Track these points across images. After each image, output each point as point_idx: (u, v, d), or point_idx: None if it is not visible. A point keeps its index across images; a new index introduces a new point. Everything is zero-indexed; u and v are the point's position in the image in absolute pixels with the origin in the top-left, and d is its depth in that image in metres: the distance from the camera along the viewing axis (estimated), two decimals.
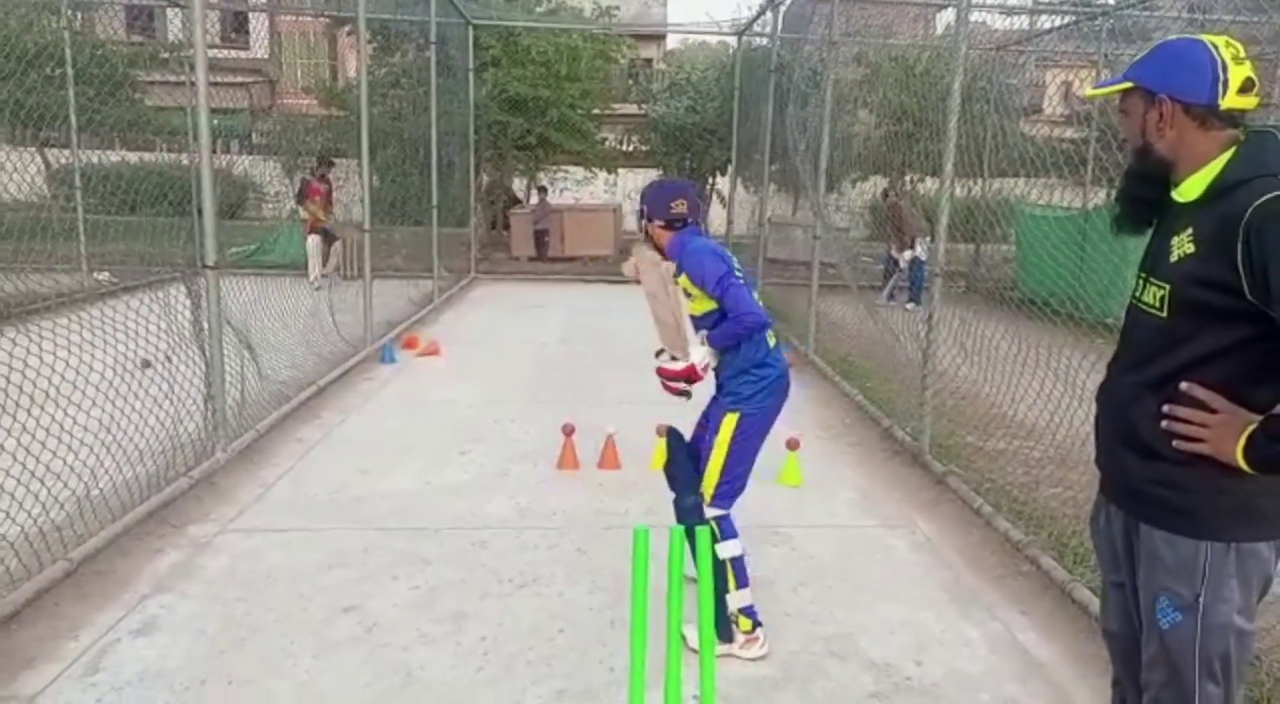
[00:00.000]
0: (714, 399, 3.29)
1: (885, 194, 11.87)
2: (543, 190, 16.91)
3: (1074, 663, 3.19)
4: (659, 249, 3.35)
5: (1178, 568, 1.88)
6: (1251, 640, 1.92)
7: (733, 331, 3.10)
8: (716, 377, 3.24)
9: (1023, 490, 4.65)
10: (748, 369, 3.15)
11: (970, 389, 5.86)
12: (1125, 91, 1.97)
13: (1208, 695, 1.89)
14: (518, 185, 17.74)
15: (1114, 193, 2.19)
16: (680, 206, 3.29)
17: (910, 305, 10.72)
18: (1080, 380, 4.09)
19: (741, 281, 3.14)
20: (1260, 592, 1.90)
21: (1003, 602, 3.66)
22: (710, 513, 3.15)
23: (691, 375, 3.21)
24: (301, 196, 12.20)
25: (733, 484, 3.18)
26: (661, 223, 3.29)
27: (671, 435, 3.35)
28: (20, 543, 3.58)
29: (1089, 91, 2.13)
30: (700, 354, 3.18)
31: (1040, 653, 3.26)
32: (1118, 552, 2.08)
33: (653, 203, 3.31)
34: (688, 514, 3.13)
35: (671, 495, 3.25)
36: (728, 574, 3.14)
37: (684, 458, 3.24)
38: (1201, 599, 1.86)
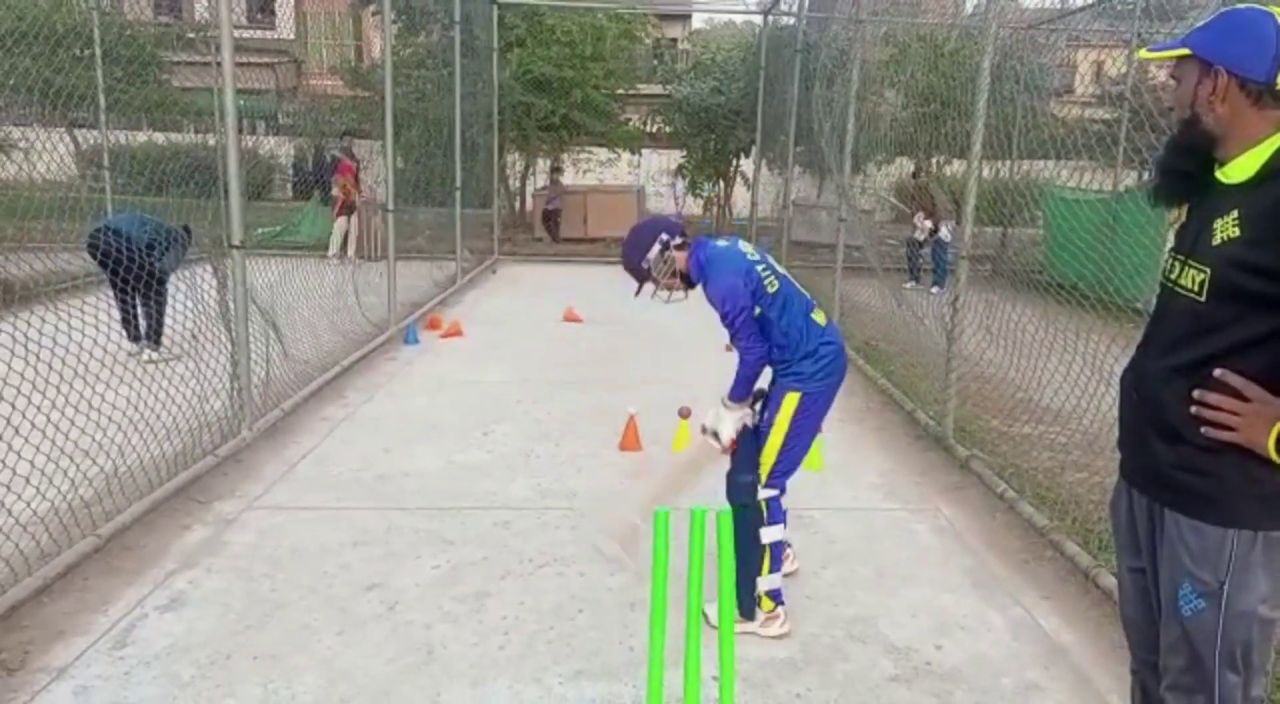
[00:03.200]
0: (771, 380, 3.26)
1: (915, 174, 11.73)
2: (557, 170, 16.82)
3: (1097, 649, 3.16)
4: (683, 275, 3.30)
5: (1202, 555, 1.84)
6: (1275, 630, 1.89)
7: (743, 382, 3.15)
8: (771, 364, 3.23)
9: (1047, 475, 4.61)
10: (808, 354, 3.14)
11: (995, 373, 5.80)
12: (1180, 58, 1.90)
13: (1227, 684, 1.86)
14: (541, 166, 17.69)
15: (1153, 162, 2.12)
16: (679, 224, 3.38)
17: (935, 289, 10.62)
18: (1108, 365, 4.03)
19: (769, 287, 3.15)
20: None
21: (1025, 587, 3.64)
22: (764, 494, 3.16)
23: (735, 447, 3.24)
24: (332, 173, 12.32)
25: (789, 464, 3.19)
26: (680, 240, 3.31)
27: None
28: (50, 518, 3.64)
29: (1143, 53, 2.05)
30: (729, 429, 3.19)
31: (1063, 638, 3.24)
32: (1139, 537, 2.04)
33: (665, 227, 3.34)
34: (741, 492, 3.16)
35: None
36: (765, 557, 3.15)
37: (748, 439, 3.23)
38: (1226, 587, 1.82)
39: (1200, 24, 1.89)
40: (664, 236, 3.28)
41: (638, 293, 3.41)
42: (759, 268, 3.19)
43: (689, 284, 3.31)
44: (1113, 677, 2.95)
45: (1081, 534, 3.91)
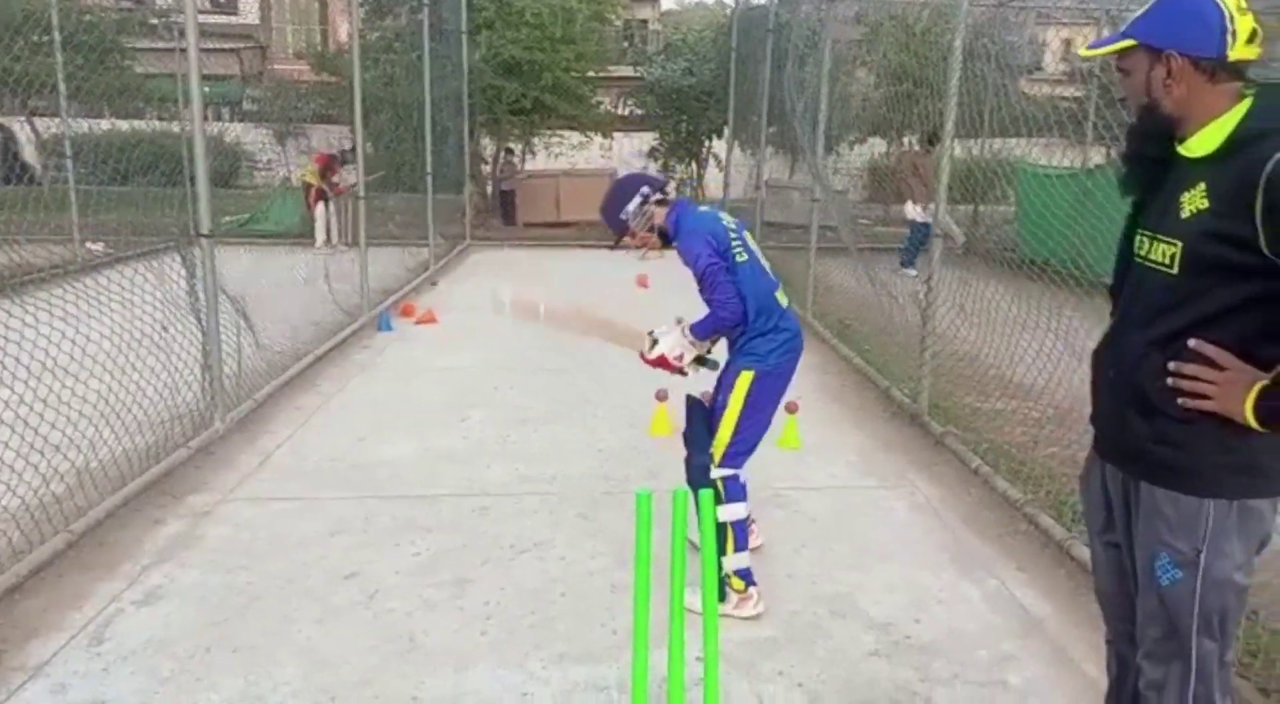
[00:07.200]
0: (728, 359, 3.28)
1: (930, 143, 11.23)
2: (509, 151, 16.61)
3: (1071, 620, 3.21)
4: (661, 231, 3.33)
5: (1180, 525, 1.87)
6: (1247, 596, 1.93)
7: (710, 326, 3.16)
8: (730, 341, 3.25)
9: (1020, 450, 4.66)
10: (764, 332, 3.16)
11: (969, 351, 5.85)
12: (1125, 50, 1.92)
13: (1204, 650, 1.90)
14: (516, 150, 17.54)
15: (1119, 154, 2.14)
16: (665, 180, 3.41)
17: (906, 270, 10.61)
18: (1080, 341, 4.07)
19: (737, 256, 3.17)
20: (1259, 547, 1.90)
21: (1001, 560, 3.68)
22: (717, 473, 3.17)
23: (663, 365, 3.27)
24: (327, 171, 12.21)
25: (743, 445, 3.18)
26: (660, 196, 3.32)
27: (690, 401, 3.33)
28: (21, 515, 3.59)
29: (1084, 51, 2.08)
30: (670, 343, 3.23)
31: (1038, 610, 3.28)
32: (1113, 511, 2.07)
33: (647, 181, 3.38)
34: (697, 473, 3.18)
35: (675, 459, 3.29)
36: (728, 537, 3.15)
37: (699, 418, 3.25)
38: (1203, 556, 1.85)
39: (1139, 13, 1.90)
40: (645, 190, 3.31)
41: (614, 246, 3.45)
42: (731, 236, 3.20)
43: (666, 242, 3.33)
44: (1088, 646, 3.00)
45: (1055, 507, 3.96)
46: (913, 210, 11.11)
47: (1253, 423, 1.75)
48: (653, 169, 17.98)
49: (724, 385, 3.19)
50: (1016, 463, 4.46)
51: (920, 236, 10.79)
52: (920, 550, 3.76)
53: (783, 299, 3.26)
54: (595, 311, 3.36)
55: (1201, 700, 1.91)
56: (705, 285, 3.12)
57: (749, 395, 3.12)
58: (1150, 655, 1.98)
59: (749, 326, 3.15)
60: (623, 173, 18.00)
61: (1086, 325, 4.01)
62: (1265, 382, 1.74)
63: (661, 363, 3.25)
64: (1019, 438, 4.85)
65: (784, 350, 3.18)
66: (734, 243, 3.19)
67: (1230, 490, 1.84)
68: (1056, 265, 5.12)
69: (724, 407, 3.15)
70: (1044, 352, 4.62)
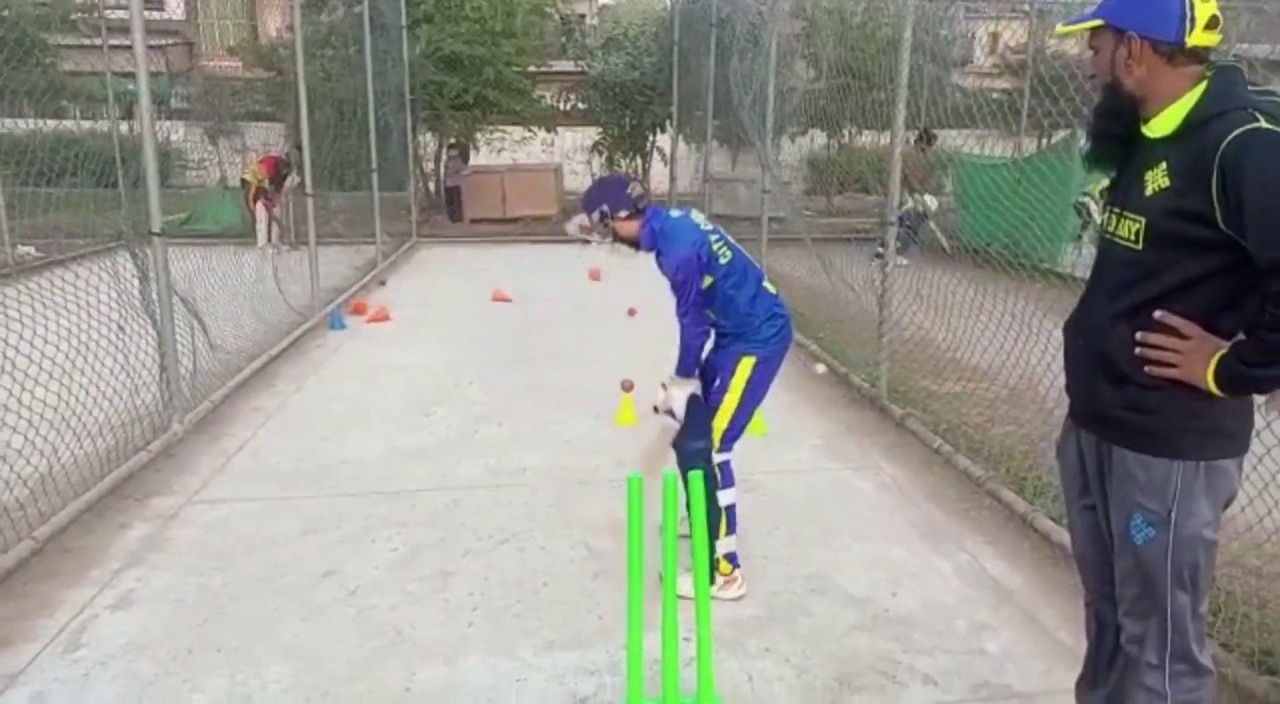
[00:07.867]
0: (717, 348, 3.30)
1: (927, 141, 10.44)
2: (453, 146, 16.43)
3: (1040, 589, 3.34)
4: (631, 242, 3.30)
5: (1151, 487, 1.98)
6: (1216, 550, 2.04)
7: (688, 356, 3.20)
8: (719, 329, 3.27)
9: (978, 430, 4.80)
10: (764, 318, 3.21)
11: (921, 335, 5.99)
12: (1094, 29, 2.02)
13: (1178, 603, 2.01)
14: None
15: (1085, 131, 2.25)
16: (637, 189, 3.29)
17: (904, 261, 10.37)
18: (1034, 323, 4.21)
19: (721, 256, 3.19)
20: (1225, 504, 2.02)
21: (969, 534, 3.80)
22: (718, 458, 3.22)
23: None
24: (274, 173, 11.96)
25: (737, 429, 3.25)
26: (626, 213, 3.24)
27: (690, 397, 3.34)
28: None
29: (1060, 29, 2.17)
30: (681, 407, 3.25)
31: (1008, 581, 3.41)
32: (1089, 476, 2.18)
33: (612, 197, 3.26)
34: (696, 457, 3.16)
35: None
36: (722, 520, 3.22)
37: (699, 409, 3.28)
38: (1173, 514, 1.96)
39: None
40: (604, 208, 3.25)
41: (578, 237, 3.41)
42: (712, 238, 3.22)
43: (637, 248, 3.33)
44: (1057, 613, 3.13)
45: (1016, 483, 4.10)
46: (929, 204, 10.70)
47: (1214, 389, 1.86)
48: (596, 164, 17.95)
49: (724, 371, 3.23)
50: (975, 442, 4.60)
51: (911, 224, 10.59)
52: (890, 528, 3.87)
53: (770, 287, 3.31)
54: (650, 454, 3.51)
55: (1179, 650, 2.02)
56: (679, 300, 3.16)
57: (749, 380, 3.18)
58: (1130, 613, 2.09)
59: (750, 314, 3.20)
60: (566, 169, 17.82)
61: (1039, 309, 4.16)
62: (1225, 350, 1.85)
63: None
64: (976, 418, 4.99)
65: (780, 336, 3.24)
66: (715, 243, 3.20)
67: (1196, 452, 1.95)
68: (1002, 251, 5.28)
69: (724, 392, 3.20)
70: (998, 334, 4.76)
